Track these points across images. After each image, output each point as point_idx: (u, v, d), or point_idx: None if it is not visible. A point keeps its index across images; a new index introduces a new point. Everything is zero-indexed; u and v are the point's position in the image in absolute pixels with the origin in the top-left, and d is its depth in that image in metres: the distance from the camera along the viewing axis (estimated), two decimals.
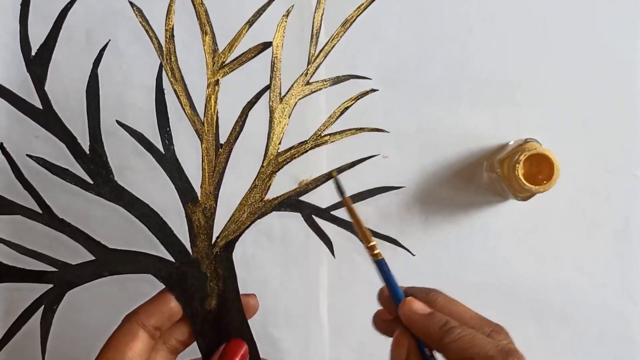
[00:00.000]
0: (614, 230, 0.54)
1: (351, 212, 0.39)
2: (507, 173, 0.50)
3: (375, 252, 0.38)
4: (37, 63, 0.37)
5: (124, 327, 0.38)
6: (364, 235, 0.38)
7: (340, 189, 0.39)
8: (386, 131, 0.43)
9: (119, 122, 0.39)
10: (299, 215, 0.41)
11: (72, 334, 0.53)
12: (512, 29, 0.54)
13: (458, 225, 0.55)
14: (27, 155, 0.38)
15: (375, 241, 0.38)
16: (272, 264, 0.54)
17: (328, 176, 0.41)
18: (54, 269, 0.38)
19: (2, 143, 0.38)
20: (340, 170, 0.42)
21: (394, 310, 0.37)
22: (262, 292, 0.42)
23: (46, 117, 0.37)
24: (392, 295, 0.38)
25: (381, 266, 0.38)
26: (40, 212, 0.38)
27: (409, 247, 0.44)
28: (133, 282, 0.51)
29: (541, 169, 0.48)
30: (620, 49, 0.54)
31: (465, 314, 0.36)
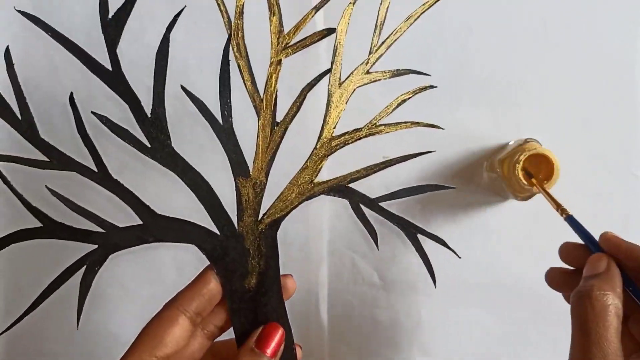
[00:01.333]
0: (614, 230, 0.54)
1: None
2: (507, 173, 0.50)
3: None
4: (113, 25, 0.37)
5: (163, 313, 0.38)
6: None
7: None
8: (441, 128, 0.43)
9: (183, 88, 0.39)
10: (298, 214, 0.41)
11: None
12: (512, 29, 0.54)
13: (458, 225, 0.55)
14: (92, 112, 0.38)
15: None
16: None
17: (380, 165, 0.42)
18: (101, 230, 0.38)
19: (72, 93, 0.38)
20: (390, 163, 0.42)
21: (576, 261, 0.42)
22: None
23: (114, 78, 0.38)
24: (586, 241, 0.42)
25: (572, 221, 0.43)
26: (96, 170, 0.38)
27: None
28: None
29: (541, 169, 0.48)
30: (620, 49, 0.54)
31: None
